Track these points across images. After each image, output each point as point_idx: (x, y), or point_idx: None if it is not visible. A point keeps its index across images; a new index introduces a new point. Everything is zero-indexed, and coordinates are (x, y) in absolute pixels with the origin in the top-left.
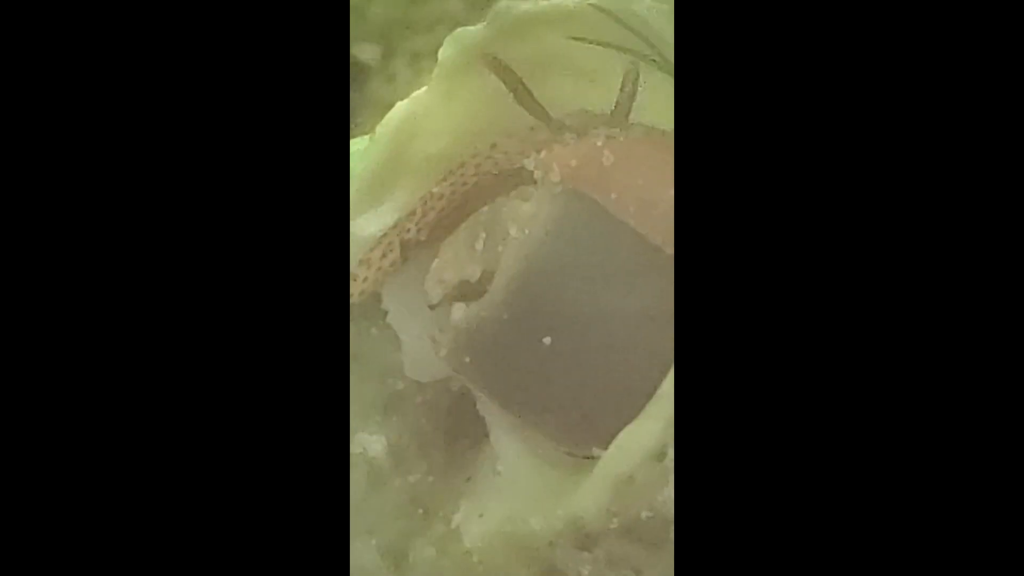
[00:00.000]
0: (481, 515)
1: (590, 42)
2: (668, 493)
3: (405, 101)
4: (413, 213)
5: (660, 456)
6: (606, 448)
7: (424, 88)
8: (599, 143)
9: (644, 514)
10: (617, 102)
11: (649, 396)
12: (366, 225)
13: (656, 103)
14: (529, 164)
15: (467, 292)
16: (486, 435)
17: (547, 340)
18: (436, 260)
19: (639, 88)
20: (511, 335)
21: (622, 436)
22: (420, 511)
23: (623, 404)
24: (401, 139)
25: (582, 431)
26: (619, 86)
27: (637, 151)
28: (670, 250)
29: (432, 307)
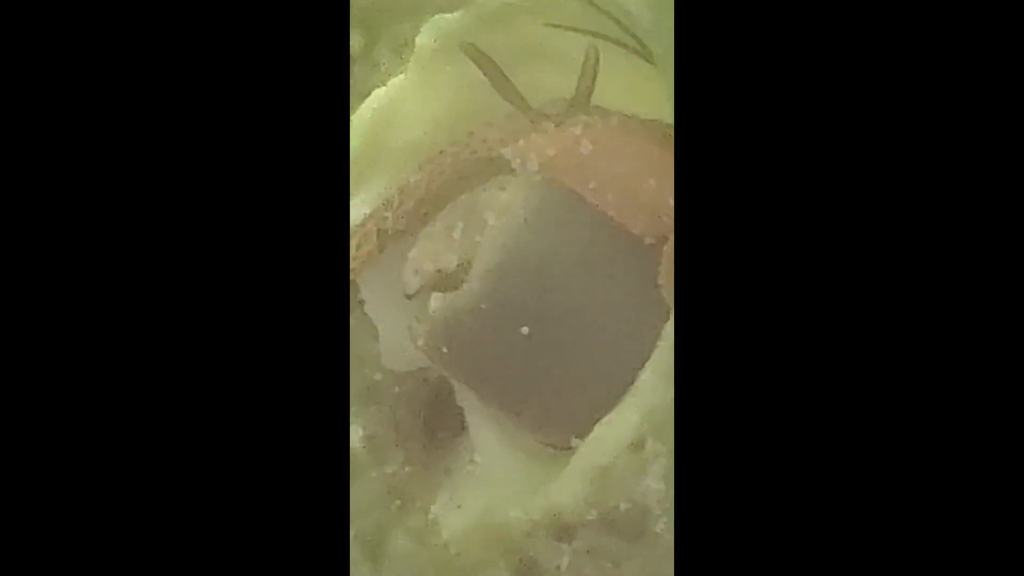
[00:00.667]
0: (459, 506)
1: (567, 29)
2: (647, 484)
3: (383, 88)
4: (390, 202)
5: (638, 447)
6: (584, 439)
7: (401, 75)
8: (577, 131)
9: (622, 505)
10: (578, 86)
11: (628, 387)
12: None
13: (637, 91)
14: (507, 153)
15: (444, 282)
16: (464, 426)
17: (525, 330)
18: (413, 250)
19: (598, 70)
20: (489, 325)
21: (600, 427)
22: (397, 502)
23: (602, 395)
24: (378, 127)
25: (561, 422)
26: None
27: (616, 140)
28: (650, 239)
29: (409, 297)
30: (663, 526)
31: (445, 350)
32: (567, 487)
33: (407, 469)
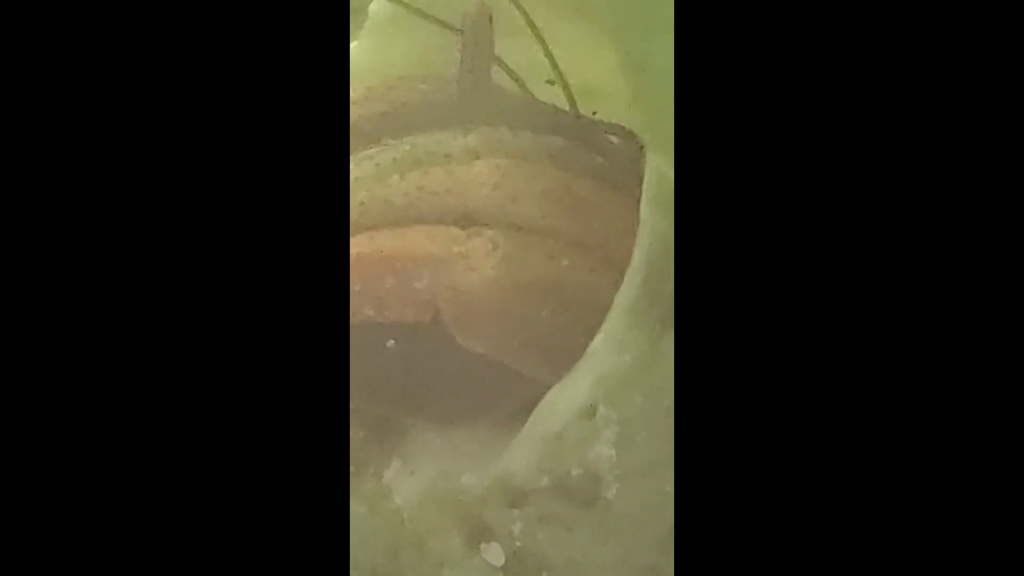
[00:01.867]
0: (412, 472)
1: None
2: (598, 450)
3: None
4: None
5: (590, 414)
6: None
7: (355, 42)
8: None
9: (574, 471)
10: (462, 55)
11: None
12: None
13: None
14: None
15: None
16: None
17: (391, 343)
18: None
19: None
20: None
21: (551, 394)
22: (351, 468)
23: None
24: None
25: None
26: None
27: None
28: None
29: None
30: (615, 492)
31: None
32: (519, 453)
33: (361, 434)
